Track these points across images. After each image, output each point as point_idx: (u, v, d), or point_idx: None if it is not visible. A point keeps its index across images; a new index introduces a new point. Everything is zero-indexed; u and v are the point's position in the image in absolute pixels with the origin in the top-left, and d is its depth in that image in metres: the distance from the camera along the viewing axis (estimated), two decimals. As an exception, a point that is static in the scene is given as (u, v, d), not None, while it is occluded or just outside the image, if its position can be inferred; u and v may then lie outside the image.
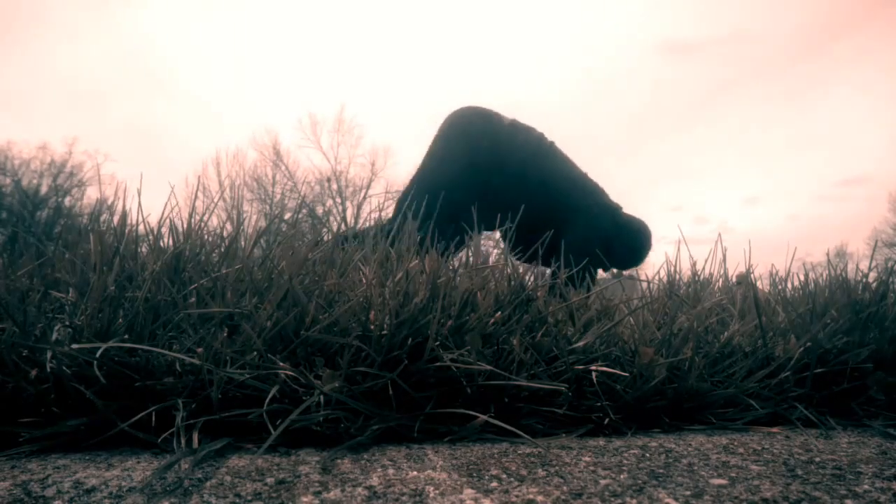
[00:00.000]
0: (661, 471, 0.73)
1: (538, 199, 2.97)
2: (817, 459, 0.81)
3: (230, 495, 0.61)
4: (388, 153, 25.21)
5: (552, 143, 3.25)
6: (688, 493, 0.64)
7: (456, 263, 1.35)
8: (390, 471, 0.71)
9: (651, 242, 3.35)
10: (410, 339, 0.97)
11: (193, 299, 1.08)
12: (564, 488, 0.65)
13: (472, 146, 3.03)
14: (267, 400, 0.82)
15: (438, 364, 0.96)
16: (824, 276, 1.65)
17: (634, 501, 0.61)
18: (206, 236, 1.38)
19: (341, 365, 0.91)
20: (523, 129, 3.17)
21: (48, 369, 0.80)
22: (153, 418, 0.80)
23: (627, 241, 3.25)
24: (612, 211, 3.28)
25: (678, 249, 1.83)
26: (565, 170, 3.24)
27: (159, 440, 0.78)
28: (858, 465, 0.79)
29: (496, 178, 3.03)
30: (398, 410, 0.91)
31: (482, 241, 1.53)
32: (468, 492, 0.64)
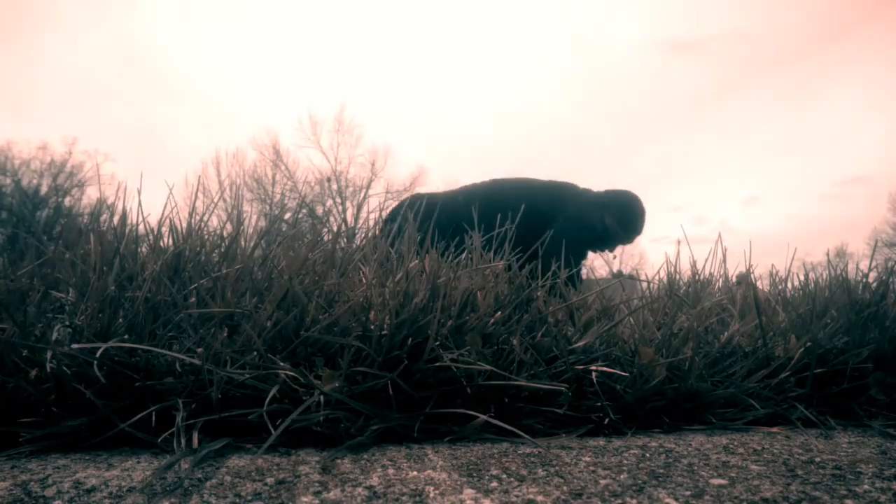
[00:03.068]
0: (661, 471, 0.73)
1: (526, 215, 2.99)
2: (817, 459, 0.81)
3: (230, 495, 0.61)
4: (388, 153, 25.17)
5: (494, 180, 3.33)
6: (688, 493, 0.64)
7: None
8: (390, 471, 0.71)
9: (643, 207, 3.37)
10: (410, 339, 0.97)
11: (193, 299, 1.08)
12: (564, 488, 0.65)
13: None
14: (267, 400, 0.82)
15: (438, 364, 0.96)
16: (824, 276, 1.65)
17: (634, 501, 0.61)
18: (206, 236, 1.38)
19: (341, 365, 0.91)
20: (457, 194, 3.24)
21: (48, 369, 0.80)
22: (153, 418, 0.80)
23: (620, 214, 3.28)
24: (590, 196, 3.33)
25: (678, 249, 1.83)
26: (528, 185, 3.29)
27: (159, 440, 0.78)
28: (858, 465, 0.79)
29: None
30: (398, 410, 0.91)
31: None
32: (468, 492, 0.64)
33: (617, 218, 3.28)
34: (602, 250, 3.44)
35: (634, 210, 3.35)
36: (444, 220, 2.82)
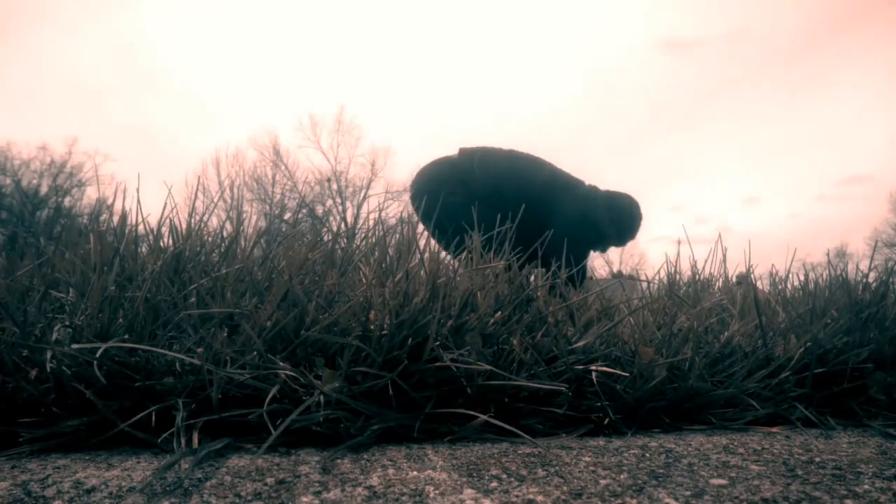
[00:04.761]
0: (661, 471, 0.73)
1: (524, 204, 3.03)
2: (817, 459, 0.81)
3: (230, 495, 0.61)
4: (388, 153, 25.12)
5: (517, 153, 3.33)
6: (688, 493, 0.64)
7: (456, 263, 1.35)
8: (390, 471, 0.71)
9: (641, 212, 3.40)
10: (410, 339, 0.97)
11: (193, 299, 1.08)
12: (564, 488, 0.65)
13: (454, 187, 3.10)
14: (267, 400, 0.82)
15: (438, 364, 0.96)
16: (824, 276, 1.65)
17: (634, 501, 0.61)
18: (206, 236, 1.38)
19: (341, 365, 0.91)
20: (482, 154, 3.25)
21: (48, 369, 0.80)
22: (153, 418, 0.80)
23: (615, 217, 3.31)
24: (593, 194, 3.35)
25: (678, 249, 1.84)
26: (539, 172, 3.29)
27: (159, 440, 0.78)
28: (858, 465, 0.79)
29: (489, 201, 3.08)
30: (398, 410, 0.91)
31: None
32: (468, 492, 0.64)
33: (611, 219, 3.30)
34: (595, 251, 3.46)
35: (631, 213, 3.38)
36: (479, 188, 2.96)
